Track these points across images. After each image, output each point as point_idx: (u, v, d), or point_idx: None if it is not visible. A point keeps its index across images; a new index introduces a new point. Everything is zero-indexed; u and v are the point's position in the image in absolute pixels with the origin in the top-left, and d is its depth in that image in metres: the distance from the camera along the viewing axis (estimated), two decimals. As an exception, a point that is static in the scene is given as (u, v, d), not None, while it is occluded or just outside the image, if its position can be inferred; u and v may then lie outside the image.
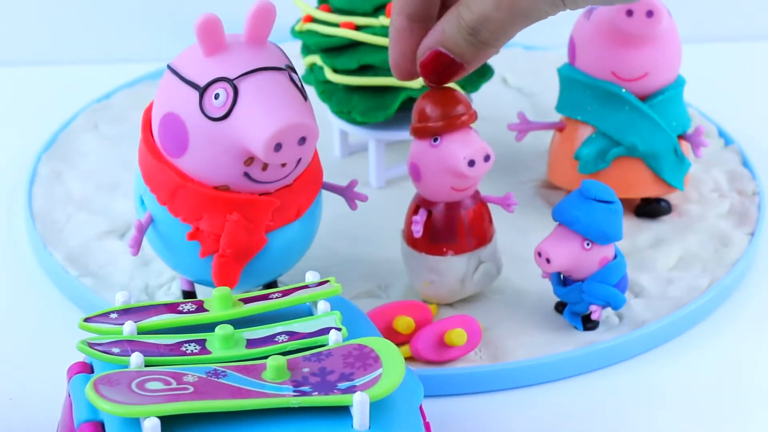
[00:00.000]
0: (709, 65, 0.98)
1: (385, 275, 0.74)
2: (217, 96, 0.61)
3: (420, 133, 0.68)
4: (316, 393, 0.52)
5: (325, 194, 0.69)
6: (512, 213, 0.70)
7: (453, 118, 0.67)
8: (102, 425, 0.52)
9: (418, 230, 0.69)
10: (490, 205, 0.71)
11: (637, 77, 0.76)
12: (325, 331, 0.56)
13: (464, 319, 0.68)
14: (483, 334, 0.70)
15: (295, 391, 0.52)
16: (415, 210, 0.70)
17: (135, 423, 0.51)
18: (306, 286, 0.60)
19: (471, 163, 0.67)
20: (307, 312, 0.59)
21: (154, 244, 0.67)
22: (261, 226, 0.64)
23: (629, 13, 0.74)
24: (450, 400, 0.67)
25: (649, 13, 0.74)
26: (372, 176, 0.83)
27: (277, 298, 0.59)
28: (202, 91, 0.62)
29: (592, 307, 0.69)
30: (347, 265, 0.76)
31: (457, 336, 0.67)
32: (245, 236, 0.64)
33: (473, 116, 0.68)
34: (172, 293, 0.73)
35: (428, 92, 0.68)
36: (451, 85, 0.81)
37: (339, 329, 0.56)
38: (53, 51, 1.03)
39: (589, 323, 0.70)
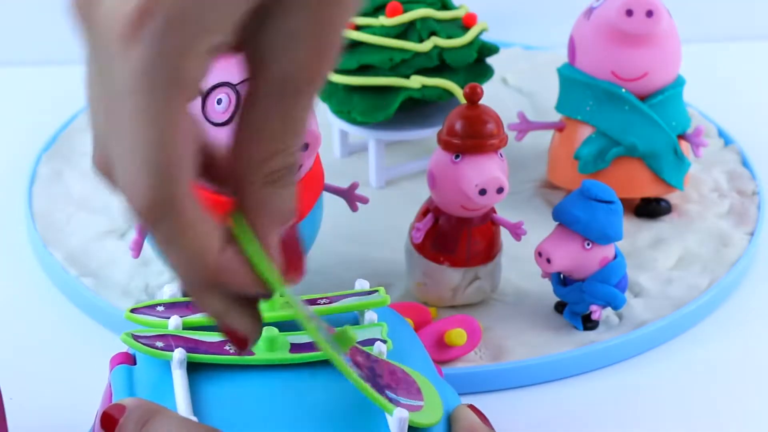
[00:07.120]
0: (709, 65, 0.98)
1: (385, 275, 0.74)
2: (219, 101, 0.61)
3: (444, 145, 0.68)
4: (369, 384, 0.50)
5: (326, 194, 0.69)
6: (519, 241, 0.70)
7: (479, 140, 0.66)
8: (134, 358, 0.54)
9: (418, 237, 0.69)
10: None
11: (636, 77, 0.76)
12: (371, 342, 0.55)
13: (464, 319, 0.68)
14: (483, 334, 0.70)
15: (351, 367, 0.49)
16: (424, 212, 0.70)
17: (165, 364, 0.53)
18: (354, 294, 0.58)
19: (482, 192, 0.66)
20: (353, 321, 0.58)
21: (155, 246, 0.67)
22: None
23: (629, 13, 0.74)
24: (450, 400, 0.67)
25: (649, 13, 0.74)
26: (372, 176, 0.83)
27: (324, 304, 0.58)
28: (204, 95, 0.61)
29: (593, 307, 0.69)
30: (347, 265, 0.75)
31: (457, 336, 0.67)
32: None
33: (503, 141, 0.67)
34: (172, 293, 0.72)
35: (465, 106, 0.67)
36: (455, 87, 0.81)
37: (384, 341, 0.55)
38: (53, 51, 1.03)
39: (589, 323, 0.70)
